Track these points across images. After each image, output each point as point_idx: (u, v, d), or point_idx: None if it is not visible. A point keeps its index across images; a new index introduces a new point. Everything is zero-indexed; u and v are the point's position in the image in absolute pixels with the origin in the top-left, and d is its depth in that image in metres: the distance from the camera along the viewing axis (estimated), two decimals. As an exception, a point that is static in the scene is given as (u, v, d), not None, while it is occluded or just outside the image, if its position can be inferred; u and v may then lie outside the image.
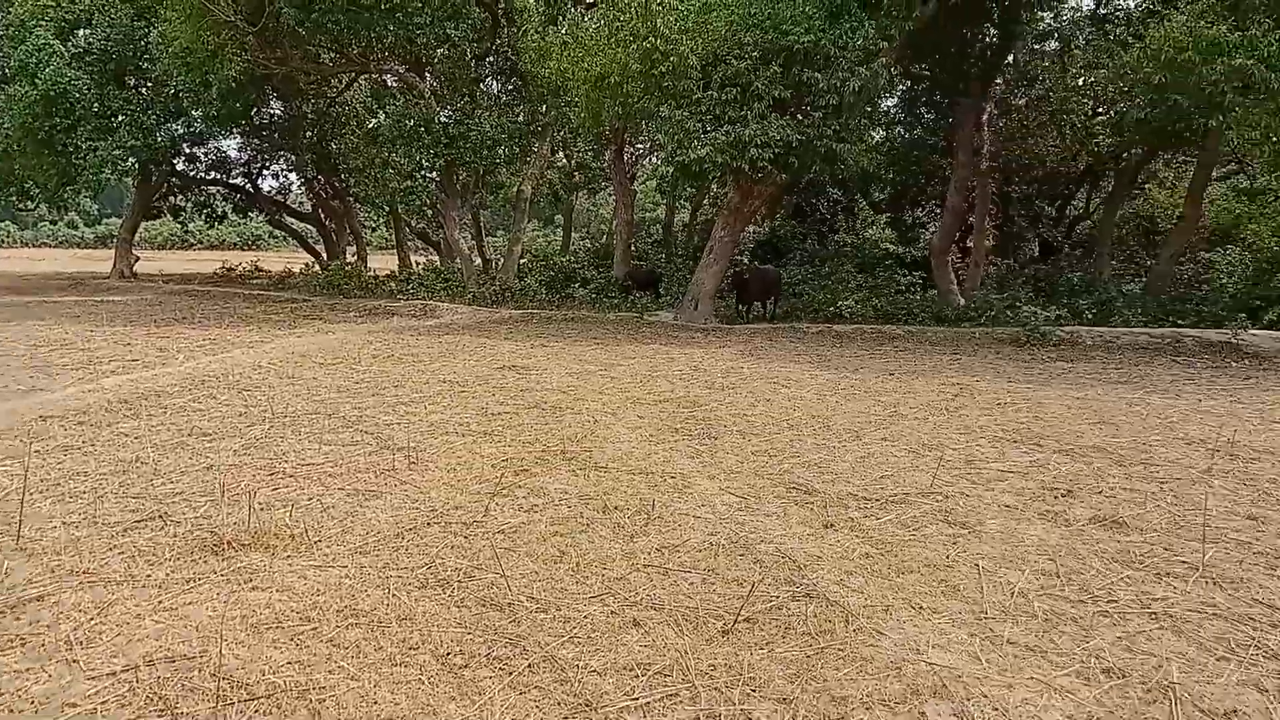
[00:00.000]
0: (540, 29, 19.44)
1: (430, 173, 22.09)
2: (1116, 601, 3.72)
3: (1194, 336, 13.90)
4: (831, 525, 4.78)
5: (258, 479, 5.46)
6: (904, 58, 19.66)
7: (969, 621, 3.52)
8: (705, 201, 32.29)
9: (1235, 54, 12.85)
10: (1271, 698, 2.88)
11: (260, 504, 4.94)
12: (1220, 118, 14.21)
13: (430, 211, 26.41)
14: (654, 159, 32.88)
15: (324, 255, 33.69)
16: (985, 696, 2.91)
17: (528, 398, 8.62)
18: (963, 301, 19.16)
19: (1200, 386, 10.04)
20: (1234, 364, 12.08)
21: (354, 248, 33.94)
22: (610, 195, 36.03)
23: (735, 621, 3.48)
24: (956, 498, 5.31)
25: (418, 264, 30.93)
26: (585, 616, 3.55)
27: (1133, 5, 22.65)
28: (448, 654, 3.21)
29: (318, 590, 3.76)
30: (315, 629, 3.39)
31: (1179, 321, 15.80)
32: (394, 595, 3.72)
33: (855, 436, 7.08)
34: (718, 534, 4.62)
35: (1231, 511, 5.03)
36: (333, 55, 22.85)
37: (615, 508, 5.04)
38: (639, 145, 30.49)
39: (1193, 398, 9.17)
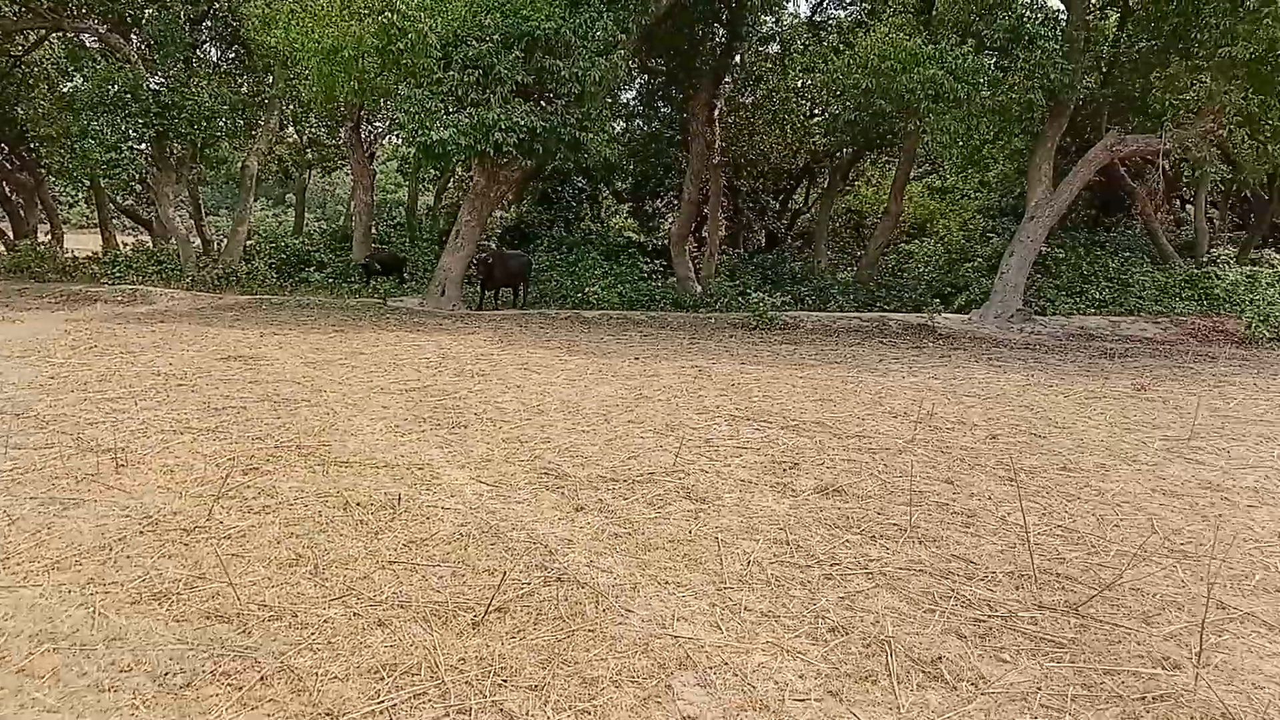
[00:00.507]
0: (264, -6, 18.08)
1: (139, 144, 19.91)
2: (839, 564, 4.05)
3: (898, 320, 15.48)
4: (582, 508, 4.84)
5: (-79, 494, 4.67)
6: (641, 51, 20.29)
7: (710, 593, 3.69)
8: (450, 184, 31.62)
9: (928, 65, 14.39)
10: (969, 643, 3.26)
11: (-76, 523, 4.22)
12: (916, 122, 15.89)
13: (140, 187, 23.86)
14: (394, 138, 31.67)
15: (9, 234, 29.43)
16: (726, 664, 3.05)
17: (257, 390, 8.02)
18: (700, 289, 20.14)
19: (903, 365, 11.19)
20: (930, 344, 13.60)
21: (48, 226, 29.93)
22: (348, 174, 34.30)
23: (486, 612, 3.43)
24: (697, 475, 5.55)
25: (125, 245, 27.82)
26: (324, 621, 3.35)
27: (844, 15, 24.77)
28: (166, 674, 2.91)
29: (4, 615, 3.27)
30: (2, 658, 2.95)
31: (885, 306, 17.54)
32: (100, 614, 3.31)
33: (604, 420, 7.21)
34: (468, 524, 4.53)
35: (932, 476, 5.64)
36: (16, 8, 19.93)
37: (357, 504, 4.80)
38: (378, 123, 29.24)
39: (897, 375, 10.21)
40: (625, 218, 33.46)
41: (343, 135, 26.52)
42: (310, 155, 30.38)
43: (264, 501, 4.80)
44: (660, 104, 26.55)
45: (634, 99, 27.68)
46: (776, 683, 2.92)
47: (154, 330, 12.36)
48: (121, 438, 6.00)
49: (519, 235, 27.31)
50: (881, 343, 13.65)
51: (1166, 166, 16.15)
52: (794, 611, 3.51)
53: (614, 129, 26.92)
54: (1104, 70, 17.58)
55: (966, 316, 15.64)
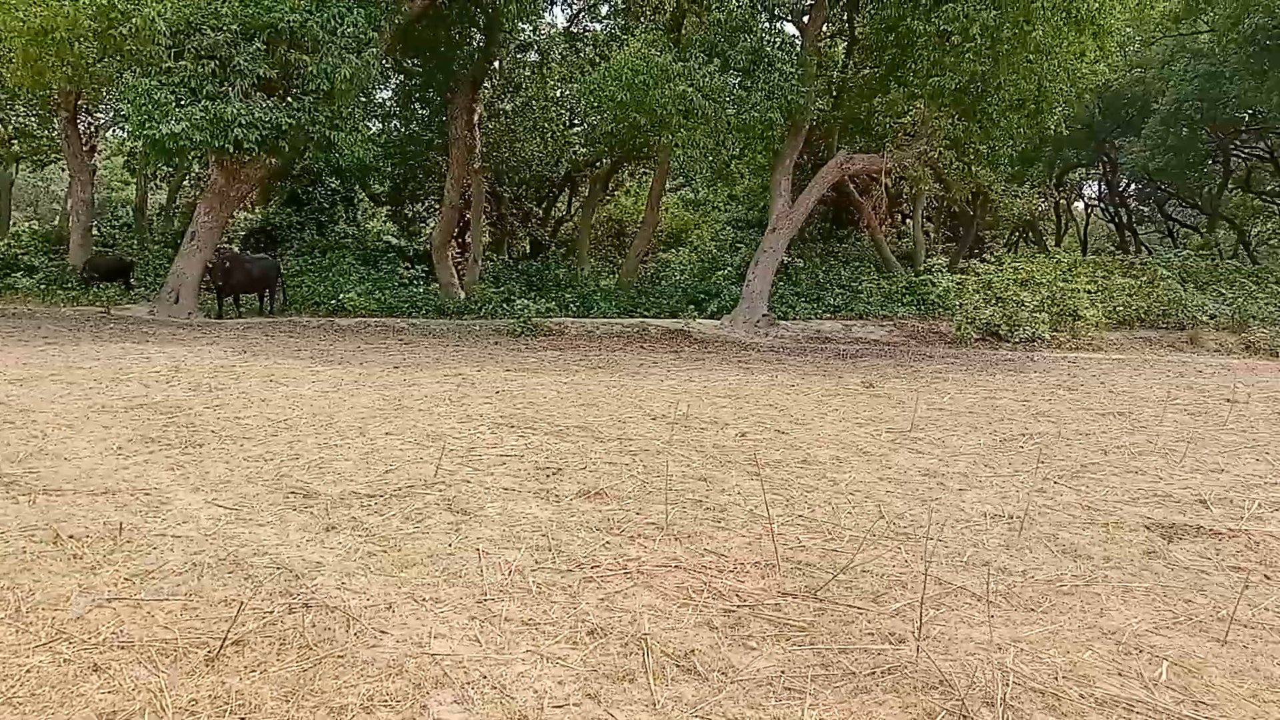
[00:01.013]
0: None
1: None
2: (599, 566, 4.11)
3: (657, 326, 16.04)
4: (333, 527, 4.59)
5: None
6: (396, 50, 19.70)
7: (469, 606, 3.62)
8: (186, 183, 29.16)
9: (678, 81, 15.02)
10: (720, 633, 3.40)
11: None
12: (669, 136, 16.53)
13: None
14: (120, 131, 28.70)
15: None
16: (485, 677, 3.00)
17: (-54, 414, 6.98)
18: (463, 295, 19.84)
19: (662, 369, 11.60)
20: (686, 348, 14.19)
21: None
22: (64, 170, 30.67)
23: (222, 646, 3.16)
24: (459, 485, 5.44)
25: None
26: (28, 670, 2.95)
27: (599, 29, 25.36)
28: None
29: None
30: None
31: (645, 313, 18.12)
32: None
33: (360, 432, 6.91)
34: (203, 552, 4.16)
35: (688, 474, 5.86)
36: None
37: (70, 536, 4.28)
38: (100, 114, 26.37)
39: (656, 378, 10.56)
40: (384, 221, 32.36)
41: (57, 126, 23.69)
42: (18, 147, 26.84)
43: (-49, 541, 4.18)
44: (418, 106, 25.90)
45: (390, 99, 26.83)
46: (536, 691, 2.91)
47: None
48: None
49: (266, 238, 25.65)
50: (642, 348, 14.07)
51: (889, 184, 17.84)
52: (554, 617, 3.52)
53: (369, 129, 25.96)
54: (834, 94, 19.16)
55: (718, 322, 16.47)
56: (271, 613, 3.50)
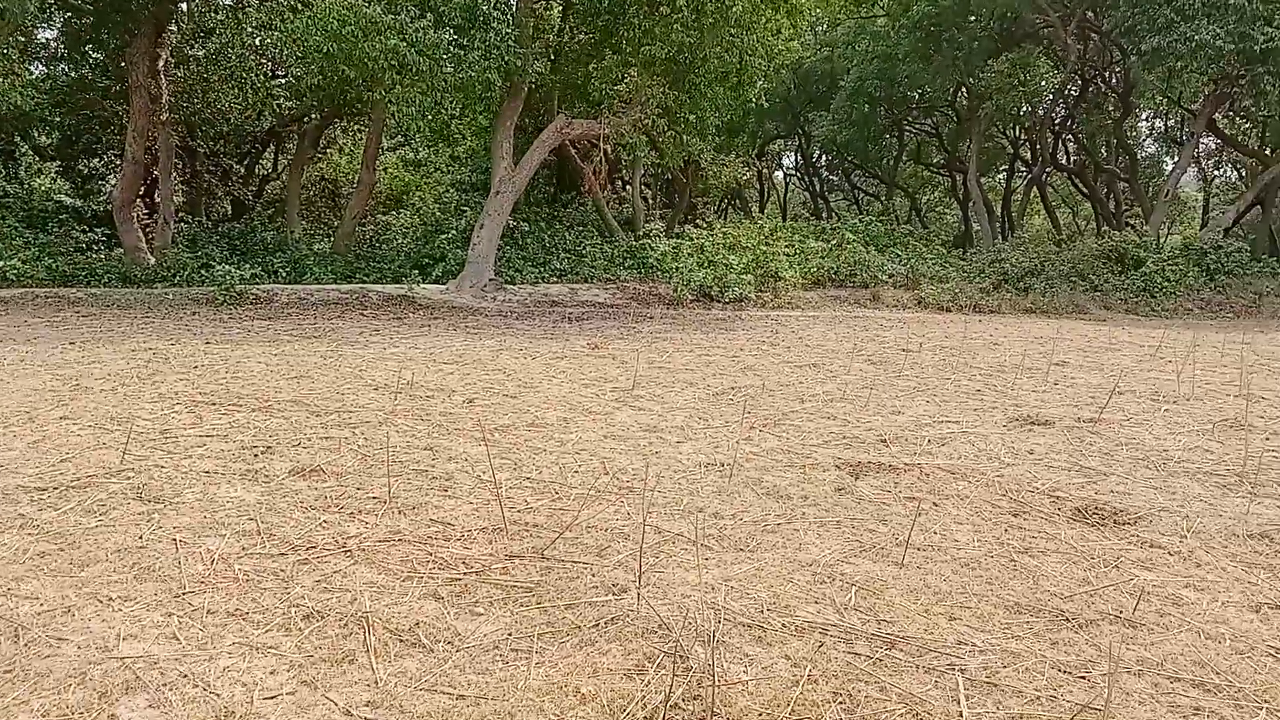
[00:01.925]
0: None
1: None
2: (315, 547, 3.89)
3: (378, 292, 15.39)
4: (-7, 529, 3.99)
5: None
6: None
7: (166, 602, 3.29)
8: None
9: (389, 35, 14.30)
10: (445, 603, 3.34)
11: None
12: (382, 93, 15.78)
13: None
14: None
15: None
16: (186, 676, 2.75)
17: None
18: (153, 261, 17.89)
19: (384, 337, 11.17)
20: (411, 315, 13.76)
21: None
22: None
23: None
24: (151, 471, 4.93)
25: None
26: None
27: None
28: None
29: None
30: None
31: (365, 278, 17.32)
32: None
33: (27, 419, 6.05)
34: None
35: (413, 445, 5.70)
36: None
37: None
38: None
39: (379, 347, 10.16)
40: (54, 179, 28.32)
41: None
42: None
43: None
44: (90, 48, 22.75)
45: (57, 40, 23.40)
46: (245, 685, 2.71)
47: None
48: None
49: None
50: (363, 315, 13.46)
51: (608, 150, 18.25)
52: (265, 605, 3.29)
53: (30, 73, 22.52)
54: (552, 58, 19.20)
55: (444, 287, 16.11)
56: (-89, 635, 2.99)
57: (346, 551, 3.84)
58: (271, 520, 4.21)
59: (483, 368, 8.90)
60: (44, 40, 22.89)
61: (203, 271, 16.15)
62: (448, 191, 26.32)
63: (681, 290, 16.28)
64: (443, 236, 19.18)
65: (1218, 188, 38.49)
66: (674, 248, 18.66)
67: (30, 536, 3.91)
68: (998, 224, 30.72)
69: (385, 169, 29.91)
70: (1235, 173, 37.20)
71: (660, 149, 19.57)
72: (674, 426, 6.44)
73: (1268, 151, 26.85)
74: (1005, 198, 34.36)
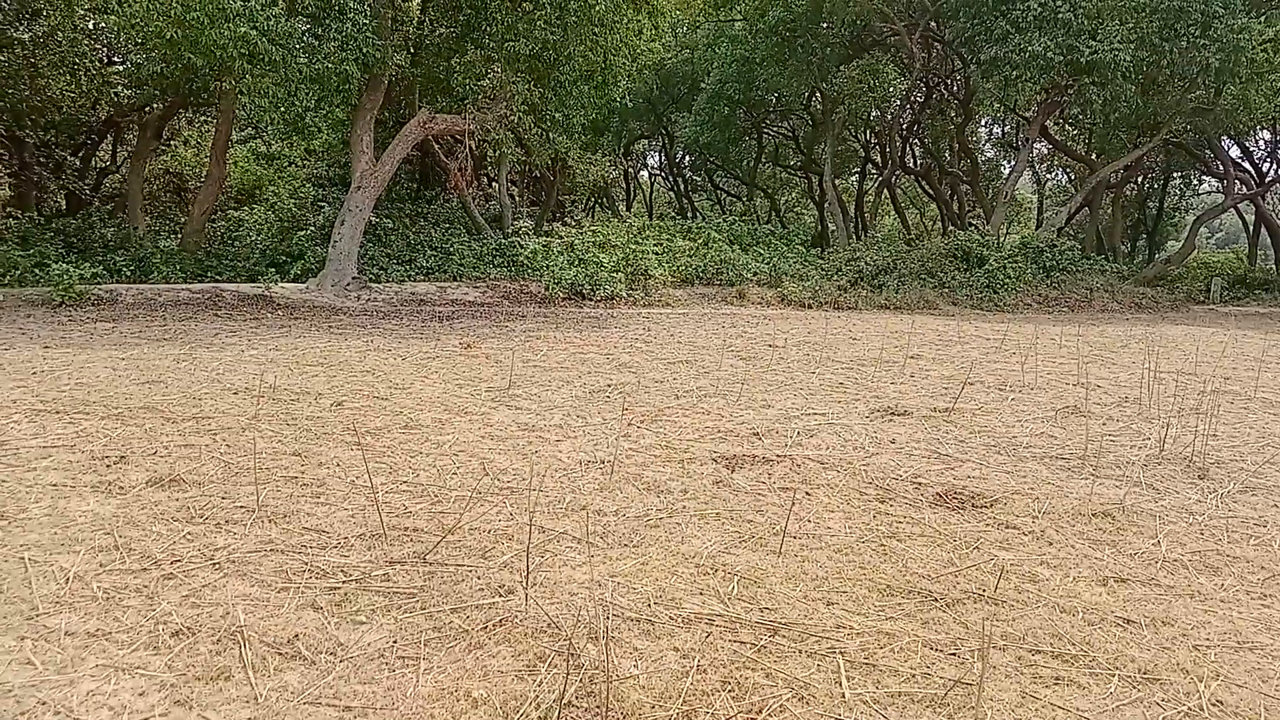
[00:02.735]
0: None
1: None
2: (181, 560, 3.69)
3: (233, 291, 14.66)
4: None
5: None
6: None
7: (18, 625, 3.05)
8: None
9: (238, 22, 13.63)
10: (325, 613, 3.23)
11: None
12: (233, 83, 15.03)
13: None
14: None
15: None
16: (44, 703, 2.56)
17: None
18: (-25, 259, 16.45)
19: (242, 338, 10.66)
20: (269, 315, 13.18)
21: None
22: None
23: None
24: (-13, 488, 4.55)
25: None
26: None
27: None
28: None
29: None
30: None
31: (218, 277, 16.47)
32: None
33: None
34: None
35: (280, 451, 5.46)
36: None
37: None
38: None
39: (236, 349, 9.68)
40: None
41: None
42: None
43: None
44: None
45: None
46: (112, 708, 2.54)
47: None
48: None
49: None
50: (217, 316, 12.79)
51: (473, 146, 17.98)
52: (129, 624, 3.09)
53: None
54: (412, 51, 18.76)
55: (304, 286, 15.51)
56: None
57: (215, 564, 3.66)
58: (130, 534, 3.96)
59: (350, 369, 8.62)
60: None
61: (36, 271, 14.96)
62: (304, 186, 25.30)
63: (553, 288, 16.24)
64: (301, 233, 18.45)
65: (1050, 190, 41.46)
66: (544, 245, 18.59)
67: None
68: (851, 224, 32.05)
69: (235, 162, 28.47)
70: (1065, 176, 40.15)
71: (527, 146, 19.45)
72: (553, 425, 6.43)
73: (1094, 156, 29.07)
74: (858, 199, 35.90)
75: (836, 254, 23.39)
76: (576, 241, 18.18)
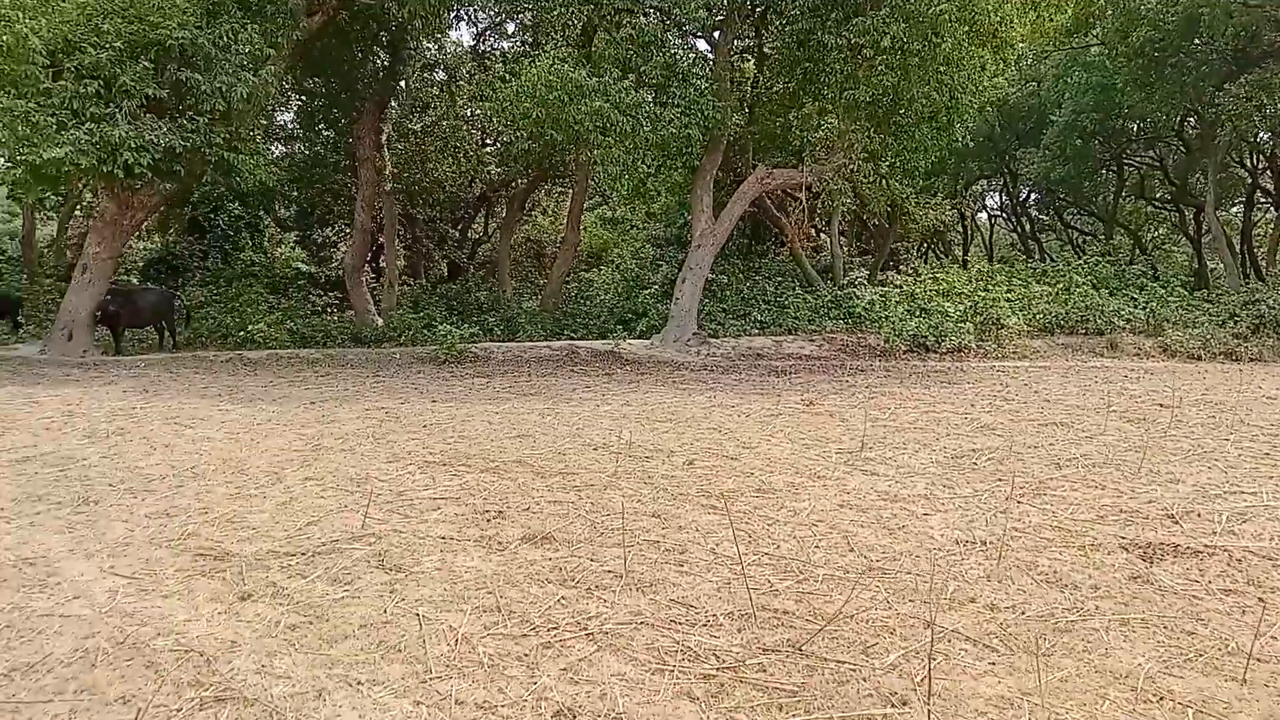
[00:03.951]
0: None
1: None
2: (557, 627, 3.68)
3: (586, 348, 15.61)
4: (249, 595, 4.06)
5: None
6: (297, 70, 18.94)
7: (413, 687, 3.15)
8: (77, 212, 27.55)
9: (594, 98, 14.70)
10: (702, 705, 3.01)
11: None
12: (589, 153, 16.19)
13: None
14: (-1, 158, 26.84)
15: None
16: (442, 781, 2.55)
17: None
18: (381, 322, 19.09)
19: (596, 393, 11.18)
20: (619, 370, 13.80)
21: None
22: (-62, 202, 28.56)
23: (119, 766, 2.64)
24: (390, 537, 4.94)
25: None
26: None
27: (507, 46, 25.02)
28: None
29: None
30: None
31: (573, 334, 17.67)
32: None
33: (276, 479, 6.31)
34: (96, 635, 3.60)
35: (640, 511, 5.46)
36: None
37: (-65, 627, 3.66)
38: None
39: (592, 404, 10.13)
40: (292, 247, 31.17)
41: (-73, 154, 22.02)
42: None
43: None
44: (322, 127, 24.97)
45: (292, 121, 25.92)
46: (503, 797, 2.48)
47: None
48: None
49: (167, 269, 24.37)
50: (573, 371, 13.62)
51: (806, 198, 17.84)
52: (513, 697, 3.08)
53: (271, 152, 24.94)
54: (748, 109, 19.11)
55: (648, 341, 16.14)
56: (179, 710, 2.98)
57: (589, 635, 3.60)
58: (510, 595, 4.05)
59: (697, 426, 8.63)
60: (282, 123, 25.33)
61: (425, 331, 17.01)
62: (644, 247, 26.73)
63: (893, 341, 15.48)
64: (645, 291, 19.33)
65: None
66: (881, 296, 17.89)
67: (281, 607, 3.92)
68: (1239, 261, 27.61)
69: (585, 227, 30.82)
70: None
71: (862, 195, 18.96)
72: (916, 495, 5.88)
73: None
74: (1245, 233, 30.91)
75: (1227, 296, 20.14)
76: (918, 290, 17.28)
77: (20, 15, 12.55)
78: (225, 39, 14.05)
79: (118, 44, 13.12)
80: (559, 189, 30.10)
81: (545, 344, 16.07)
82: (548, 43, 19.07)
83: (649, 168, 18.41)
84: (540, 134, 17.17)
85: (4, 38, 12.30)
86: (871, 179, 17.02)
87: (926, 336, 15.63)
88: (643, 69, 16.06)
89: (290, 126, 25.95)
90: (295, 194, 25.62)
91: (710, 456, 7.16)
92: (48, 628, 3.68)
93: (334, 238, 30.14)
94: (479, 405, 9.99)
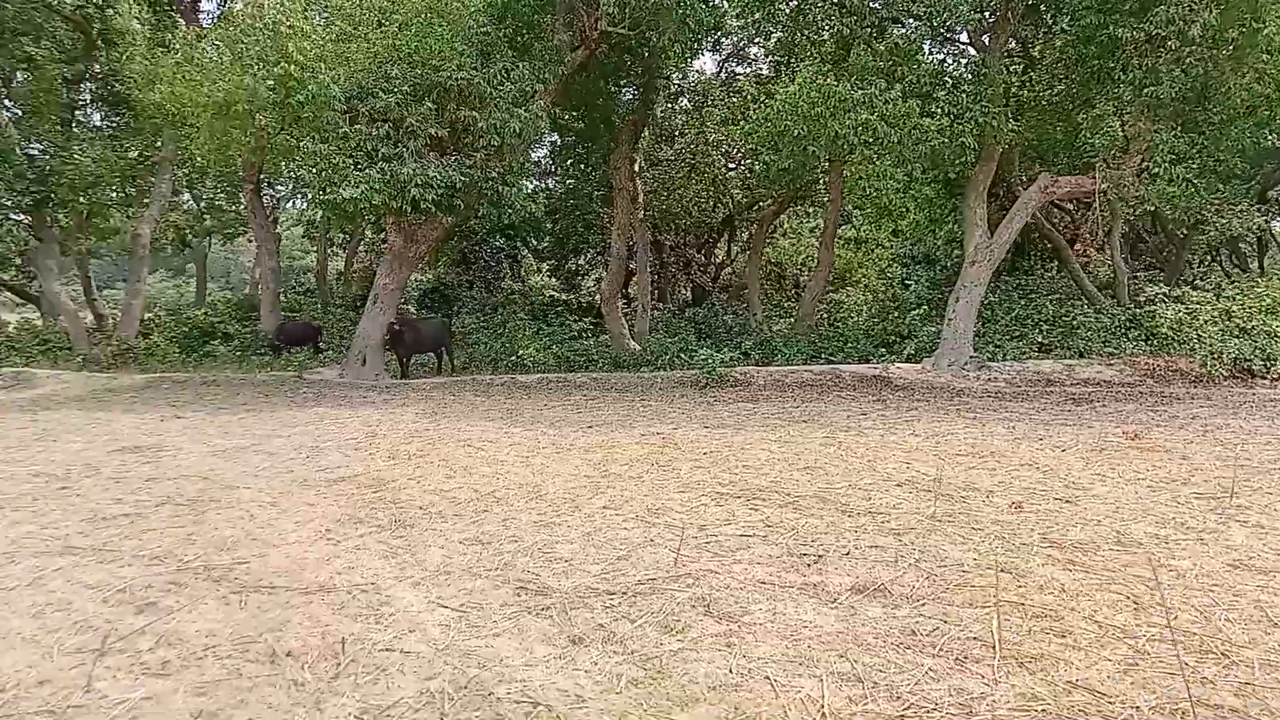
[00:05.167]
0: (147, 53, 16.90)
1: (15, 214, 18.21)
2: (937, 708, 3.12)
3: (850, 371, 14.85)
4: (580, 639, 3.82)
5: None
6: (556, 105, 19.65)
7: (795, 773, 2.71)
8: (361, 247, 30.28)
9: (859, 110, 14.04)
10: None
11: None
12: (851, 169, 15.51)
13: (20, 260, 21.97)
14: (299, 201, 29.96)
15: None
16: None
17: (156, 490, 6.79)
18: (636, 346, 19.30)
19: (874, 420, 10.46)
20: (890, 396, 12.96)
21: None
22: (250, 241, 32.39)
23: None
24: (708, 578, 4.59)
25: (8, 323, 25.56)
26: None
27: (747, 71, 24.88)
28: None
29: None
30: None
31: (831, 358, 16.95)
32: None
33: (574, 507, 6.20)
34: (438, 676, 3.47)
35: (979, 565, 4.78)
36: None
37: (287, 654, 3.69)
38: (280, 186, 27.69)
39: (875, 433, 9.44)
40: (546, 276, 32.63)
41: (243, 199, 24.95)
42: (209, 221, 28.48)
43: (163, 656, 3.66)
44: (577, 160, 25.88)
45: (545, 157, 27.14)
46: None
47: (35, 420, 10.86)
48: (-27, 572, 4.73)
49: (439, 298, 26.17)
50: (841, 397, 12.94)
51: (1100, 205, 16.08)
52: (919, 799, 2.56)
53: (527, 187, 26.19)
54: (1026, 114, 17.61)
55: (920, 366, 15.12)
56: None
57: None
58: (865, 661, 3.54)
59: (1007, 461, 7.73)
60: (536, 159, 26.57)
61: (682, 355, 16.95)
62: (890, 266, 25.51)
63: (1212, 365, 13.51)
64: (914, 313, 18.24)
65: None
66: (1189, 314, 15.79)
67: (616, 656, 3.64)
68: None
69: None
70: None
71: (1162, 201, 16.86)
72: (1333, 557, 4.78)
73: None
74: None
75: None
76: (1235, 307, 15.07)
77: (322, 66, 13.77)
78: (499, 78, 14.74)
79: (404, 88, 14.07)
80: (804, 210, 29.44)
81: (805, 368, 15.46)
82: (800, 60, 18.60)
83: (899, 183, 17.35)
84: (800, 151, 16.69)
85: (310, 88, 13.52)
86: (1179, 183, 15.05)
87: (1251, 360, 13.53)
88: (908, 77, 15.20)
89: (543, 162, 27.17)
90: (549, 225, 26.72)
91: (1037, 498, 6.30)
92: (390, 664, 3.60)
93: (585, 266, 31.24)
94: (754, 432, 9.58)
